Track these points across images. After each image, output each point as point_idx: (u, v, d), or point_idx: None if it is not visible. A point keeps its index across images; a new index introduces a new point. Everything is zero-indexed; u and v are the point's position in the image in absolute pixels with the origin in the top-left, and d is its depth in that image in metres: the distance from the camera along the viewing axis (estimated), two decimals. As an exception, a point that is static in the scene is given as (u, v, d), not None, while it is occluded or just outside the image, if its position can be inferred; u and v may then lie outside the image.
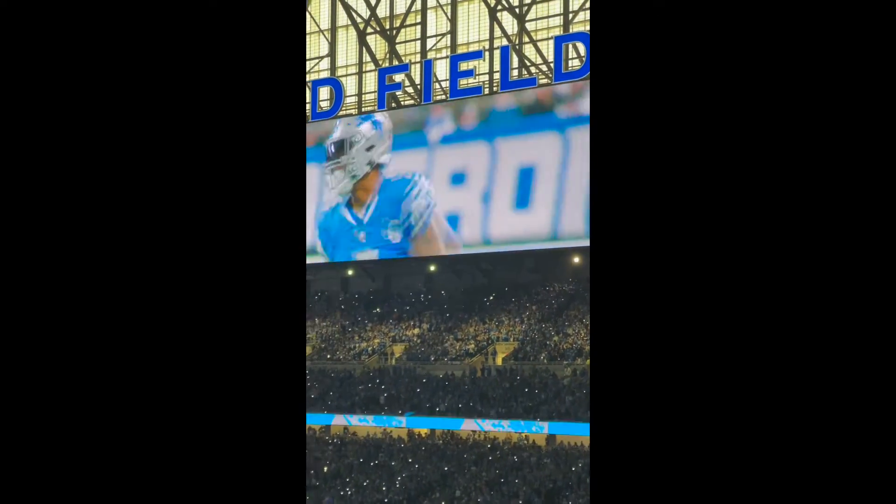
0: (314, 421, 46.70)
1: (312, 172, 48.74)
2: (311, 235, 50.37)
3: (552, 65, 45.60)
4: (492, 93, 47.18)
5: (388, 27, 52.99)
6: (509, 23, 49.31)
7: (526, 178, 45.02)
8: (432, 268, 53.94)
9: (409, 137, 48.30)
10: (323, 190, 50.26)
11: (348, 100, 52.78)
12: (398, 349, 50.84)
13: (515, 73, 47.10)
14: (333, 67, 55.72)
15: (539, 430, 40.93)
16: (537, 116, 45.09)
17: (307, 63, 55.66)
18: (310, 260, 51.09)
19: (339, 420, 46.22)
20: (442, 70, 49.83)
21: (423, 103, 48.46)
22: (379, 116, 49.07)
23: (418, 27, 52.49)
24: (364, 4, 52.80)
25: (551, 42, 46.40)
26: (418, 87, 49.68)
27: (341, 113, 50.68)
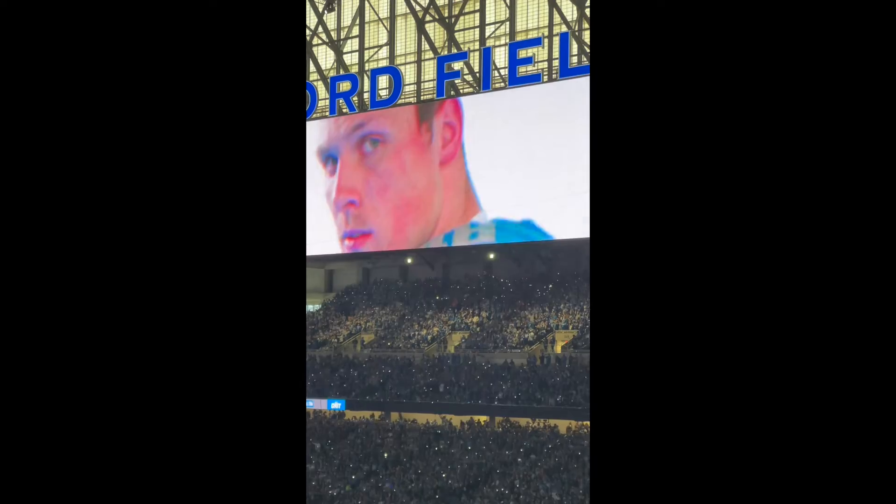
0: (373, 408, 47.18)
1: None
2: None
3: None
4: (551, 80, 47.08)
5: (446, 15, 53.14)
6: (569, 9, 49.13)
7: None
8: (491, 256, 54.04)
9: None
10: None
11: (407, 88, 53.01)
12: (457, 337, 51.07)
13: (575, 59, 46.94)
14: (392, 56, 56.01)
15: (599, 418, 40.88)
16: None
17: (366, 52, 56.07)
18: (369, 248, 51.60)
19: (397, 407, 46.63)
20: (501, 58, 49.83)
21: (481, 91, 48.52)
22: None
23: (477, 14, 52.55)
24: (423, -8, 53.00)
25: (611, 28, 46.12)
26: (477, 74, 49.76)
27: (400, 101, 50.92)
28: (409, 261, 57.30)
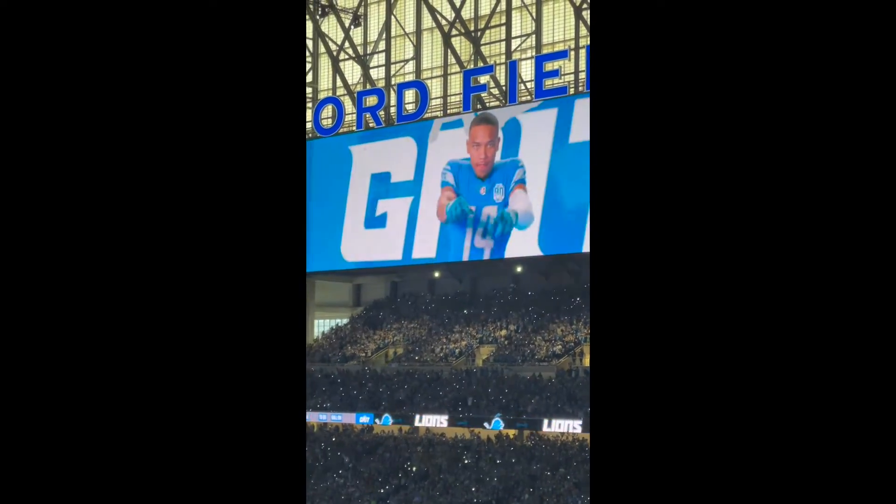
0: (401, 422, 47.34)
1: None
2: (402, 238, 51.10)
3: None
4: (577, 93, 47.16)
5: (472, 28, 53.40)
6: (595, 21, 49.23)
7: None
8: (519, 269, 54.11)
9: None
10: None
11: (433, 102, 53.26)
12: (485, 351, 51.17)
13: (601, 72, 47.02)
14: (419, 70, 56.33)
15: (628, 431, 40.80)
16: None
17: (392, 66, 56.42)
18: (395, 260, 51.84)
19: (425, 421, 46.74)
20: (527, 71, 50.00)
21: (508, 104, 48.65)
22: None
23: (503, 28, 52.81)
24: (449, 6, 53.27)
25: (638, 40, 46.16)
26: (503, 88, 49.92)
27: (426, 115, 51.18)
28: (437, 274, 57.47)
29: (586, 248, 45.15)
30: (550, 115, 46.49)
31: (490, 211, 48.03)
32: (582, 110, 44.73)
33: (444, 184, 49.52)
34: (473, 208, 48.53)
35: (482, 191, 48.32)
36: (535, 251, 47.65)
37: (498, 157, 48.07)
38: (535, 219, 46.99)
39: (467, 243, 48.77)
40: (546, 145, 46.67)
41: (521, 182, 47.18)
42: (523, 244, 47.56)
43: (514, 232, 47.53)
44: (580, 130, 44.61)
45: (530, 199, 47.00)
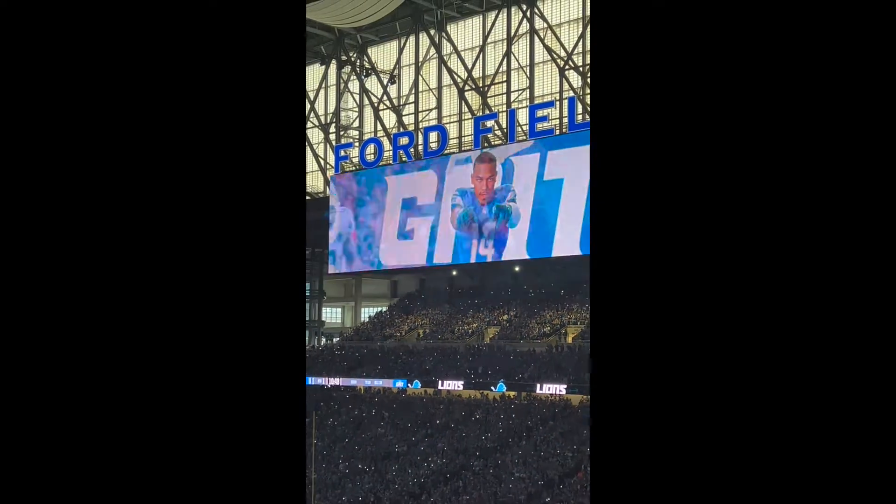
0: (427, 386, 47.78)
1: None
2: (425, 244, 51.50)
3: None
4: (561, 133, 47.97)
5: (481, 84, 54.18)
6: (575, 78, 50.11)
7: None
8: (517, 269, 54.73)
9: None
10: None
11: (451, 141, 54.01)
12: (492, 331, 51.74)
13: (580, 117, 47.86)
14: (440, 116, 57.06)
15: (601, 392, 41.09)
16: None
17: (420, 114, 57.14)
18: (426, 262, 52.52)
19: (446, 385, 47.14)
20: (523, 116, 50.78)
21: (508, 143, 49.40)
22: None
23: (504, 84, 53.53)
24: (462, 68, 54.09)
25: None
26: (504, 130, 50.72)
27: (446, 152, 51.83)
28: (454, 273, 58.18)
29: (555, 253, 45.84)
30: (535, 157, 47.05)
31: (490, 226, 48.45)
32: (554, 156, 45.59)
33: (454, 206, 50.10)
34: (473, 212, 48.67)
35: (483, 211, 48.79)
36: (524, 255, 47.91)
37: (497, 184, 48.57)
38: (525, 229, 47.10)
39: (474, 250, 49.36)
40: (532, 179, 47.01)
41: (513, 201, 47.62)
42: (516, 250, 47.85)
43: (509, 239, 47.70)
44: (552, 171, 45.50)
45: (520, 212, 47.36)
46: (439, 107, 57.28)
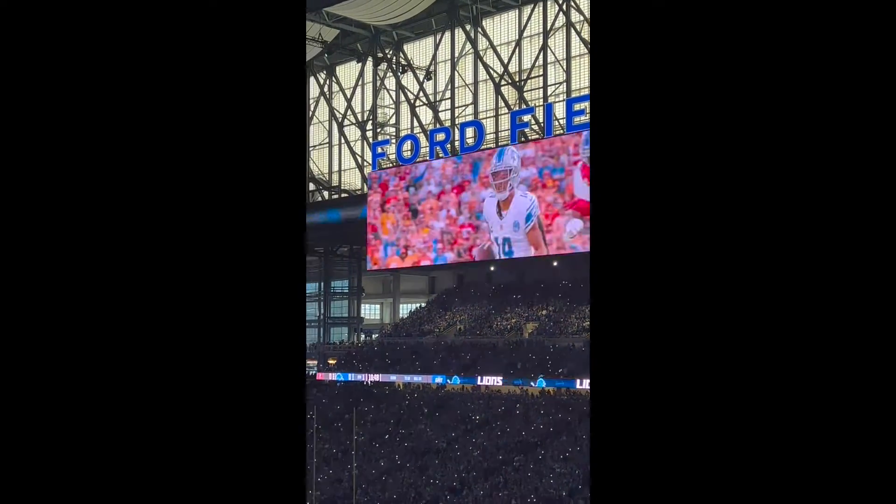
0: (467, 382, 47.82)
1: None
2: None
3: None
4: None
5: (517, 79, 54.09)
6: (611, 71, 49.51)
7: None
8: (555, 263, 54.54)
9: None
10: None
11: (488, 136, 54.03)
12: (531, 326, 51.72)
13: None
14: (476, 112, 57.12)
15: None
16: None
17: (456, 109, 57.23)
18: (464, 258, 52.58)
19: (485, 381, 47.22)
20: (560, 110, 50.53)
21: (545, 137, 49.24)
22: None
23: (541, 78, 53.39)
24: (498, 63, 54.08)
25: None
26: (541, 124, 50.57)
27: (483, 147, 51.89)
28: (493, 268, 58.18)
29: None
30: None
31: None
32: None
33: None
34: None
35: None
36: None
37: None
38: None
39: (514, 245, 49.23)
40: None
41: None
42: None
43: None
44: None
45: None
46: (476, 102, 57.33)
